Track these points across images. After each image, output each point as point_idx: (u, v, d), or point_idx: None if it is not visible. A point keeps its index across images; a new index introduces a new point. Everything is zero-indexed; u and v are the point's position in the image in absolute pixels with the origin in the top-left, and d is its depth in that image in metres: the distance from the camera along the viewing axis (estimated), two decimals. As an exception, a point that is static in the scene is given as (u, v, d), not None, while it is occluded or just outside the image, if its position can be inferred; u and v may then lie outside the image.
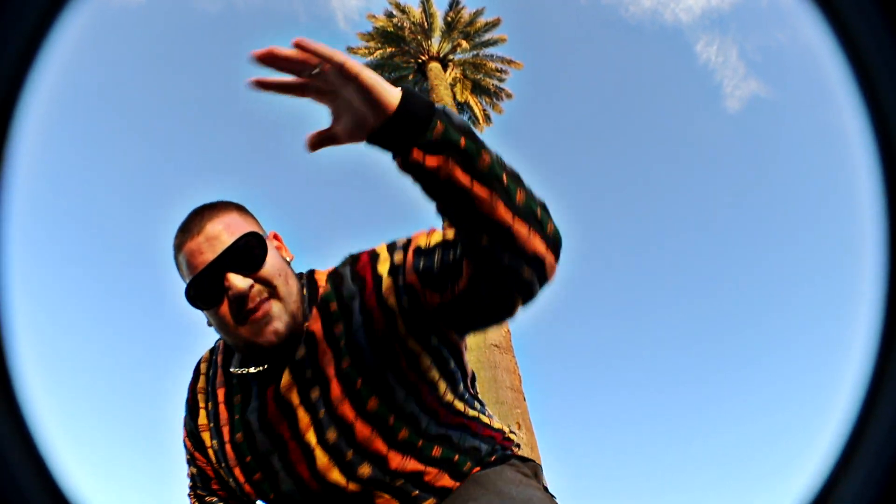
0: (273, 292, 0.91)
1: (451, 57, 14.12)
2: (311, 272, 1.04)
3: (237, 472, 0.99)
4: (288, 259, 0.99)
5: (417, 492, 0.95)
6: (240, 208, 0.99)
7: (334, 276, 1.00)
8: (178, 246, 0.94)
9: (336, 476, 0.92)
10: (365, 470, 0.92)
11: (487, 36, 14.22)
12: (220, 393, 1.03)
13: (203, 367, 1.11)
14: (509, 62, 14.44)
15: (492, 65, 14.39)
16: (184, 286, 0.93)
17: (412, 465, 0.94)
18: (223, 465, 1.01)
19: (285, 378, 0.94)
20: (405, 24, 13.82)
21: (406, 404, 0.93)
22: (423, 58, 13.80)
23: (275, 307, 0.90)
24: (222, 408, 1.02)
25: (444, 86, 12.15)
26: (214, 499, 1.08)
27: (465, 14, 13.97)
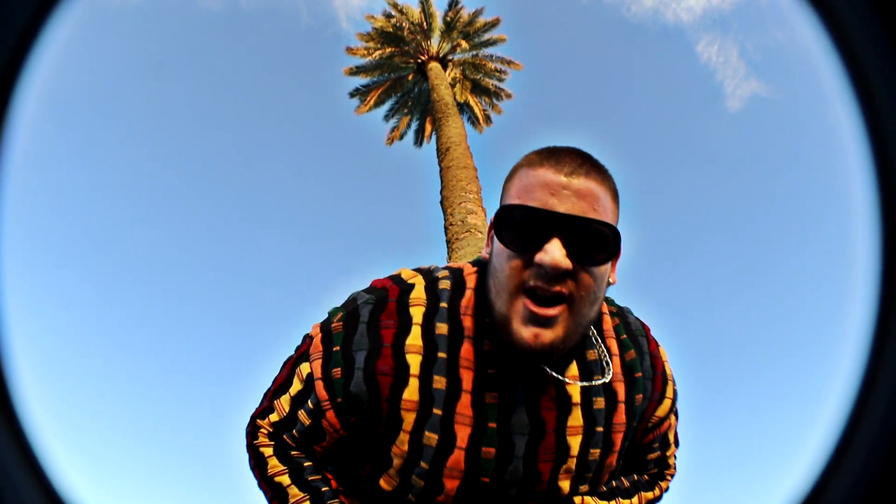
0: (573, 301, 0.73)
1: (450, 57, 14.12)
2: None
3: (451, 482, 0.80)
4: (611, 281, 0.80)
5: None
6: (617, 195, 0.80)
7: (633, 336, 0.91)
8: (534, 164, 0.77)
9: None
10: None
11: (487, 36, 14.22)
12: (467, 378, 0.80)
13: (417, 313, 0.82)
14: (509, 63, 14.44)
15: (491, 65, 14.39)
16: (505, 204, 0.76)
17: None
18: (423, 464, 0.80)
19: (575, 417, 0.81)
20: (404, 25, 13.82)
21: None
22: (423, 58, 13.79)
23: (562, 316, 0.73)
24: (466, 400, 0.79)
25: (444, 85, 12.14)
26: (302, 454, 0.85)
27: (465, 14, 13.97)
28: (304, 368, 0.85)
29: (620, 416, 0.85)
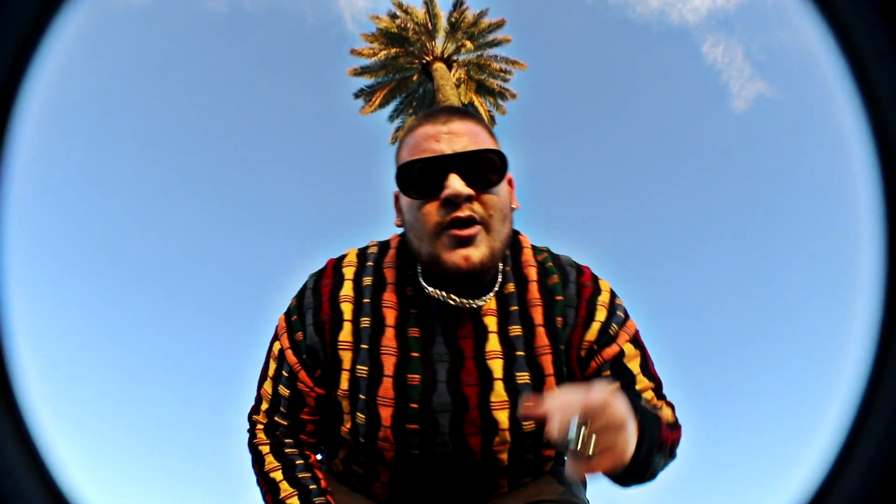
0: (486, 222, 0.82)
1: (455, 57, 14.14)
2: (517, 232, 0.98)
3: (385, 411, 0.87)
4: (514, 206, 0.91)
5: (529, 479, 0.96)
6: (493, 134, 0.91)
7: (560, 266, 0.94)
8: (414, 127, 0.88)
9: (503, 456, 0.88)
10: (525, 454, 0.91)
11: (492, 36, 14.23)
12: (390, 315, 0.90)
13: (349, 272, 0.94)
14: (513, 62, 14.44)
15: (496, 65, 14.40)
16: (401, 164, 0.85)
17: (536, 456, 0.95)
18: (360, 395, 0.88)
19: (492, 343, 0.88)
20: (409, 25, 13.85)
21: None
22: (428, 58, 13.81)
23: (481, 235, 0.82)
24: (390, 333, 0.89)
25: (449, 86, 12.17)
26: (296, 450, 0.93)
27: (469, 15, 13.99)
28: (276, 347, 0.96)
29: (542, 339, 0.89)
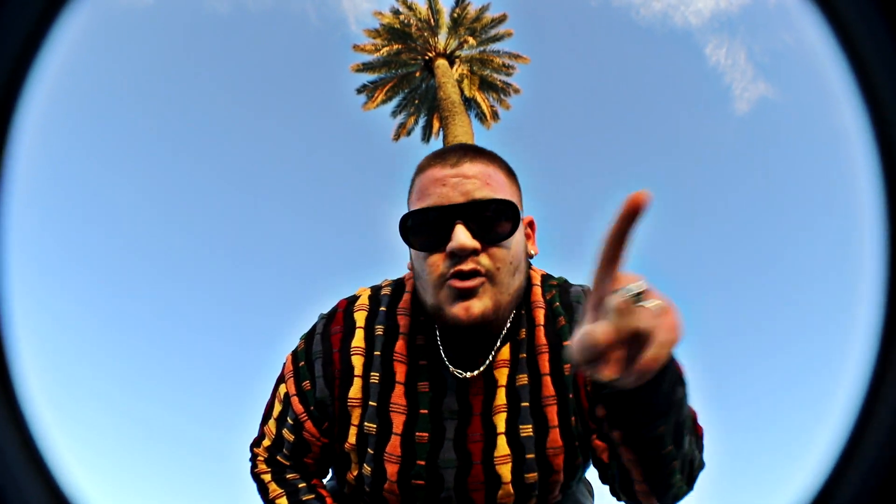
0: (491, 275, 0.76)
1: (457, 53, 14.08)
2: (529, 266, 0.91)
3: (391, 467, 0.85)
4: (531, 252, 0.85)
5: None
6: (510, 172, 0.84)
7: (567, 305, 0.87)
8: (423, 168, 0.82)
9: None
10: None
11: (494, 31, 14.18)
12: (400, 370, 0.86)
13: (360, 318, 0.90)
14: (516, 57, 14.38)
15: (499, 60, 14.34)
16: (405, 211, 0.80)
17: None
18: (368, 450, 0.86)
19: (500, 397, 0.84)
20: (412, 21, 13.80)
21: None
22: (430, 54, 13.77)
23: (485, 287, 0.76)
24: (399, 390, 0.86)
25: (451, 83, 12.14)
26: (297, 475, 0.92)
27: (472, 10, 13.94)
28: (282, 389, 0.93)
29: (548, 389, 0.84)
